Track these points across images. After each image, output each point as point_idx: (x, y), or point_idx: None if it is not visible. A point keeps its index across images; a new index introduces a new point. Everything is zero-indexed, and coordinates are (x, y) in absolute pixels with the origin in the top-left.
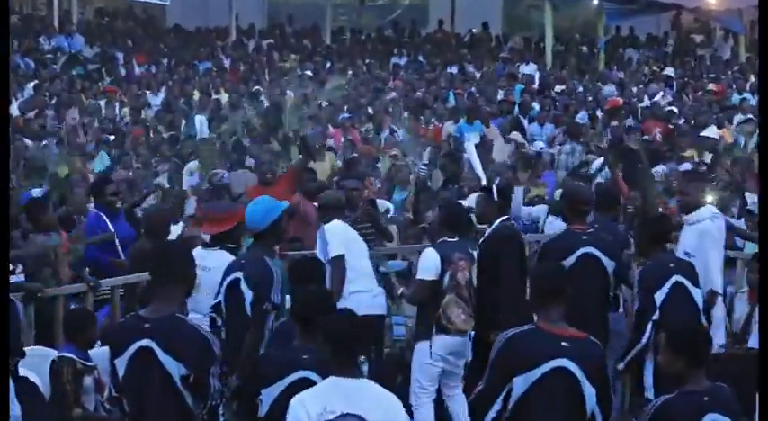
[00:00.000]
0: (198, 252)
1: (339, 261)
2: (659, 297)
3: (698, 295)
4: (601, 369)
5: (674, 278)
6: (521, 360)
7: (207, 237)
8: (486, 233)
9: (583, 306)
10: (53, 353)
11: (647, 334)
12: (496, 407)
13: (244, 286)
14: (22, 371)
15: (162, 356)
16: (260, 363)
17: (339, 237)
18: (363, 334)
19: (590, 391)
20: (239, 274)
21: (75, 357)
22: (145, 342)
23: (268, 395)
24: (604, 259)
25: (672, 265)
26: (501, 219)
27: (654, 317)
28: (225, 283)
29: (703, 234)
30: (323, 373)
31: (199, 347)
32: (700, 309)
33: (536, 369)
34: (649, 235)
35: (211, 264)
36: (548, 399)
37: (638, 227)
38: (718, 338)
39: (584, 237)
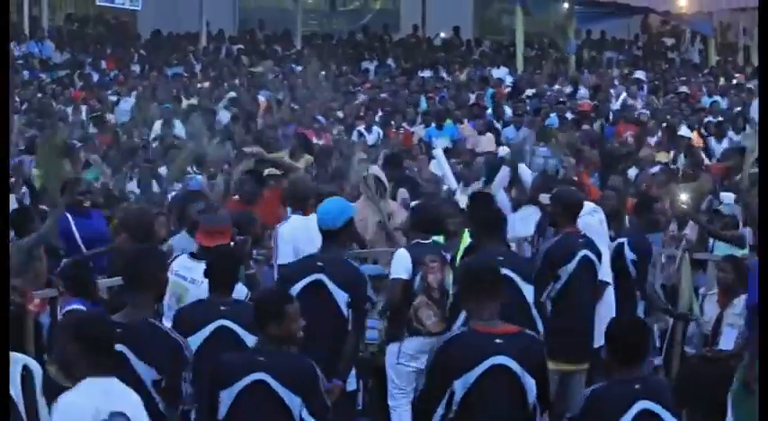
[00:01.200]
0: (185, 263)
1: None
2: (567, 270)
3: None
4: (539, 360)
5: (582, 252)
6: (457, 363)
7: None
8: (468, 243)
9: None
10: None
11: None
12: (440, 411)
13: (333, 287)
14: None
15: (134, 361)
16: (218, 365)
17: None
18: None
19: (530, 384)
20: (320, 276)
21: (85, 309)
22: (117, 347)
23: (227, 397)
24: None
25: (581, 241)
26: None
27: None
28: (300, 286)
29: (585, 227)
30: (278, 375)
31: (171, 352)
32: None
33: (473, 370)
34: (562, 207)
35: (200, 277)
36: (489, 398)
37: (552, 200)
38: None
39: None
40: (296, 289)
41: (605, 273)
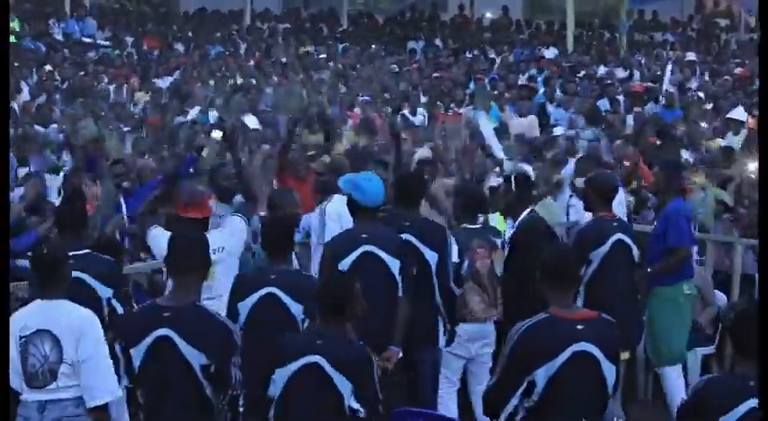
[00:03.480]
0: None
1: None
2: (599, 254)
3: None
4: (617, 345)
5: (616, 236)
6: (539, 351)
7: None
8: (516, 225)
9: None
10: None
11: None
12: (514, 401)
13: (386, 256)
14: None
15: (182, 345)
16: (277, 344)
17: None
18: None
19: (610, 370)
20: (371, 248)
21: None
22: (164, 331)
23: (281, 376)
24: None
25: (615, 224)
26: (527, 210)
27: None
28: (351, 259)
29: None
30: (333, 360)
31: (220, 337)
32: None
33: (556, 358)
34: (596, 191)
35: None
36: (573, 386)
37: (586, 184)
38: None
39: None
40: (347, 262)
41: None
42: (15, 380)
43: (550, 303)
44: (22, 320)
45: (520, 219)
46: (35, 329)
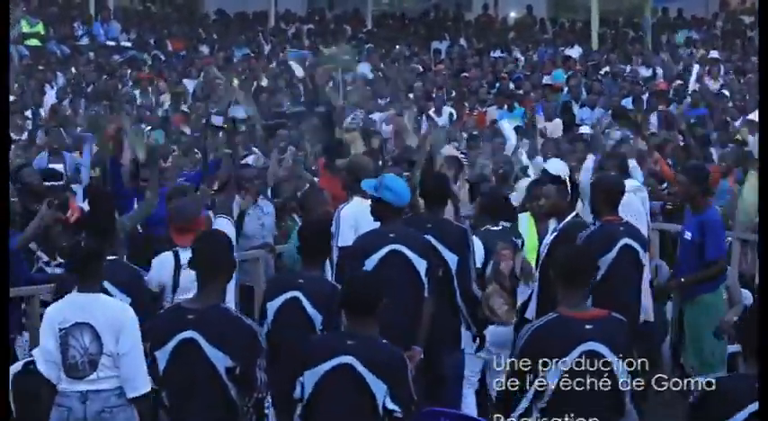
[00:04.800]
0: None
1: None
2: (606, 260)
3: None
4: (628, 343)
5: (623, 241)
6: (548, 351)
7: None
8: (559, 227)
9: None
10: None
11: None
12: (525, 403)
13: (413, 255)
14: None
15: (206, 348)
16: (306, 345)
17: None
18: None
19: (621, 367)
20: (399, 247)
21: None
22: (188, 334)
23: (311, 377)
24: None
25: (621, 229)
26: (573, 213)
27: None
28: (378, 257)
29: (625, 206)
30: (366, 360)
31: (245, 339)
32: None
33: (566, 357)
34: (602, 194)
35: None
36: (583, 384)
37: (592, 186)
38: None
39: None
40: (374, 259)
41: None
42: (53, 370)
43: (561, 302)
44: (61, 313)
45: (565, 221)
46: (74, 322)
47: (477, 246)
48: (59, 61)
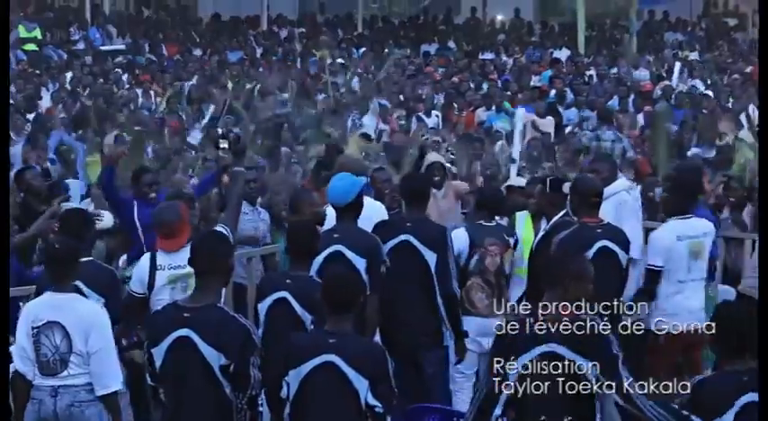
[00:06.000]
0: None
1: None
2: None
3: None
4: (596, 343)
5: (600, 243)
6: (511, 349)
7: None
8: (546, 227)
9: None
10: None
11: None
12: (498, 412)
13: (352, 254)
14: None
15: (201, 346)
16: (289, 345)
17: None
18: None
19: (586, 366)
20: (339, 247)
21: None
22: (184, 331)
23: (295, 376)
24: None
25: (599, 231)
26: (561, 213)
27: None
28: (322, 257)
29: (620, 205)
30: (348, 358)
31: (239, 337)
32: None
33: (521, 357)
34: (579, 196)
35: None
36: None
37: (570, 188)
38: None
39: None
40: (318, 260)
41: (635, 248)
42: (28, 367)
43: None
44: (34, 311)
45: (553, 221)
46: (46, 321)
47: (463, 238)
48: (56, 66)
